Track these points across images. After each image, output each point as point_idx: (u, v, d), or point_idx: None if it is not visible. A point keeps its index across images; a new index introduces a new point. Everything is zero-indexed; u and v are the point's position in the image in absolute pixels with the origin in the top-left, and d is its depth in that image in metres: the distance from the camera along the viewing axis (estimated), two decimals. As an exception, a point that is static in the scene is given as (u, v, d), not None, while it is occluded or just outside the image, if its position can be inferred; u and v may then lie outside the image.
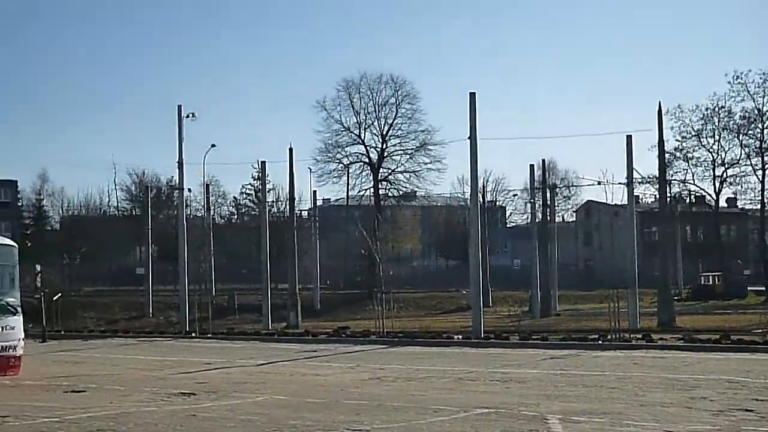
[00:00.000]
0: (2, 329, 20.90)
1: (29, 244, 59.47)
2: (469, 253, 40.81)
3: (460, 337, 35.49)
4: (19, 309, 21.76)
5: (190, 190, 65.53)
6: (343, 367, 26.07)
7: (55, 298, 45.29)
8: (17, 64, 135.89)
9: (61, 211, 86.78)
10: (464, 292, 55.12)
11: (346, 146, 74.90)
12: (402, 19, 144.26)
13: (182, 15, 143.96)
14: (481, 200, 60.27)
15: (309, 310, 51.11)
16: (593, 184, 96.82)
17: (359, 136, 74.47)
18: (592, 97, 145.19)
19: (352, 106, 74.52)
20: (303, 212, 76.20)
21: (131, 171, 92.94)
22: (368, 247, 47.91)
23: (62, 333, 43.34)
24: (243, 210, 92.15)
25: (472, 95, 36.59)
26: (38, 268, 43.26)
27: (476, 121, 36.44)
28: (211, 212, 73.37)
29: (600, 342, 31.45)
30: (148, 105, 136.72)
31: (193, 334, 42.01)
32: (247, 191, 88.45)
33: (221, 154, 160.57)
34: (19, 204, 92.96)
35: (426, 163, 74.35)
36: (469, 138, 36.61)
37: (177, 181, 50.85)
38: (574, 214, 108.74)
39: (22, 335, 21.81)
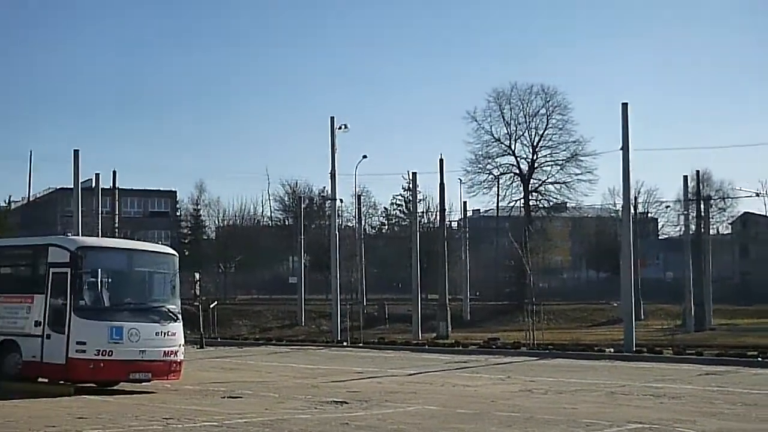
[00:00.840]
0: (164, 335, 21.65)
1: (187, 253, 61.43)
2: (620, 265, 40.18)
3: (612, 350, 35.00)
4: (180, 316, 22.52)
5: (341, 200, 66.44)
6: (494, 378, 26.08)
7: (211, 306, 46.68)
8: (181, 75, 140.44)
9: (216, 221, 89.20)
10: (615, 304, 54.25)
11: (497, 157, 74.78)
12: (554, 29, 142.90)
13: (335, 28, 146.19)
14: (633, 211, 59.15)
15: (458, 321, 51.21)
16: (751, 196, 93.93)
17: (510, 147, 74.24)
18: (749, 107, 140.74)
19: (503, 117, 74.37)
20: (453, 223, 76.37)
21: (284, 182, 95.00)
22: (518, 258, 47.68)
23: (218, 340, 44.63)
24: (393, 220, 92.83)
25: (624, 105, 36.09)
26: (197, 276, 44.54)
27: (628, 132, 35.92)
28: (362, 222, 74.31)
29: (760, 359, 30.49)
30: (301, 117, 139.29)
31: (345, 343, 42.63)
32: (398, 202, 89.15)
33: (372, 165, 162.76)
34: (178, 214, 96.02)
35: (577, 174, 73.55)
36: (621, 149, 36.11)
37: (329, 192, 51.70)
38: (730, 226, 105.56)
39: (183, 341, 22.55)
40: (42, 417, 16.26)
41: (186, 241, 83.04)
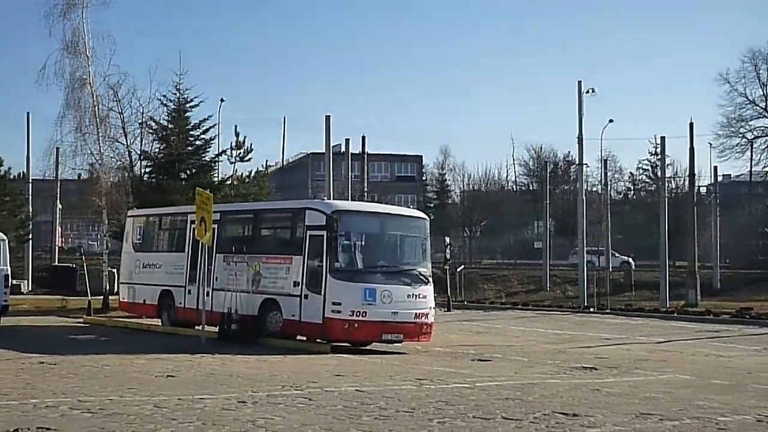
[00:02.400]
0: (416, 297, 22.18)
1: (432, 217, 62.22)
2: None
3: None
4: (431, 279, 23.00)
5: (587, 165, 65.49)
6: (749, 349, 25.25)
7: (458, 270, 47.27)
8: (436, 44, 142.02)
9: (462, 186, 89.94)
10: None
11: (751, 120, 71.78)
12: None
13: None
14: None
15: (707, 289, 49.48)
16: None
17: (765, 109, 70.90)
18: None
19: (758, 78, 71.26)
20: (702, 188, 73.84)
21: (529, 146, 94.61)
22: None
23: (465, 303, 45.19)
24: (639, 186, 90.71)
25: None
26: (447, 240, 45.15)
27: None
28: (608, 188, 72.98)
29: None
30: (545, 81, 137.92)
31: (591, 309, 42.25)
32: (644, 167, 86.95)
33: (618, 130, 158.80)
34: (423, 178, 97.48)
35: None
36: None
37: (574, 157, 51.14)
38: None
39: (433, 304, 23.03)
40: (304, 373, 17.08)
41: (431, 205, 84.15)
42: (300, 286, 22.26)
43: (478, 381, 16.58)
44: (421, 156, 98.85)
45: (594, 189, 77.60)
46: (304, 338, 22.62)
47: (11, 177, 52.69)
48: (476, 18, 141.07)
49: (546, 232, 59.96)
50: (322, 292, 21.63)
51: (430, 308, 22.60)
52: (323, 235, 21.87)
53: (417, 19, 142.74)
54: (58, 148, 37.55)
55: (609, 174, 75.48)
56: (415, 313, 22.07)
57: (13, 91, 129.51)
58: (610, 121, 61.33)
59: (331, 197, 39.08)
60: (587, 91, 47.01)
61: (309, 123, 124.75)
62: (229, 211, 27.15)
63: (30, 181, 51.55)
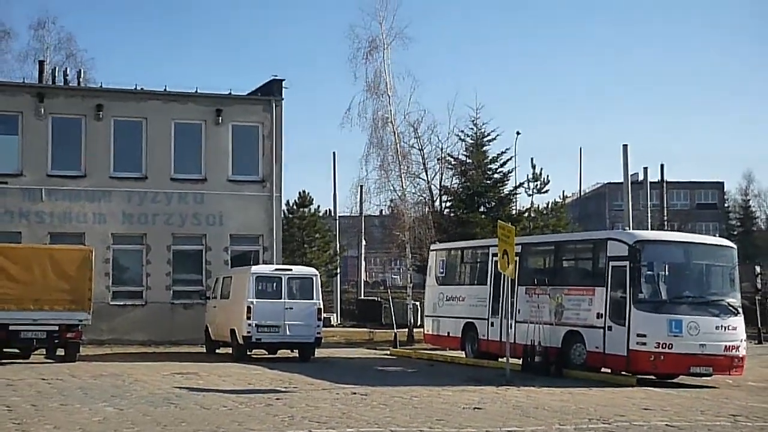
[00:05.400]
0: (725, 329, 21.38)
1: (737, 246, 59.48)
2: None
3: None
4: (740, 310, 22.12)
5: None
6: None
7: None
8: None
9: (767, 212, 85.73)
10: None
11: None
12: None
13: None
14: None
15: None
16: None
17: None
18: None
19: None
20: None
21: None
22: None
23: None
24: None
25: None
26: (758, 269, 43.08)
27: None
28: None
29: None
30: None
31: None
32: None
33: None
34: (726, 205, 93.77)
35: None
36: None
37: None
38: None
39: (744, 336, 22.10)
40: (610, 406, 16.89)
41: (734, 233, 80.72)
42: (603, 318, 22.07)
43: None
44: (722, 182, 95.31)
45: None
46: (609, 370, 22.35)
47: (320, 214, 55.51)
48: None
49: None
50: (627, 324, 21.35)
51: (741, 340, 21.72)
52: (626, 265, 21.62)
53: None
54: (362, 186, 39.09)
55: None
56: (725, 346, 21.29)
57: (320, 133, 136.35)
58: None
59: (630, 227, 38.41)
60: None
61: (605, 152, 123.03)
62: (531, 243, 27.32)
63: (337, 217, 53.97)
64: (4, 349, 25.05)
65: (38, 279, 25.05)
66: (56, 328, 25.00)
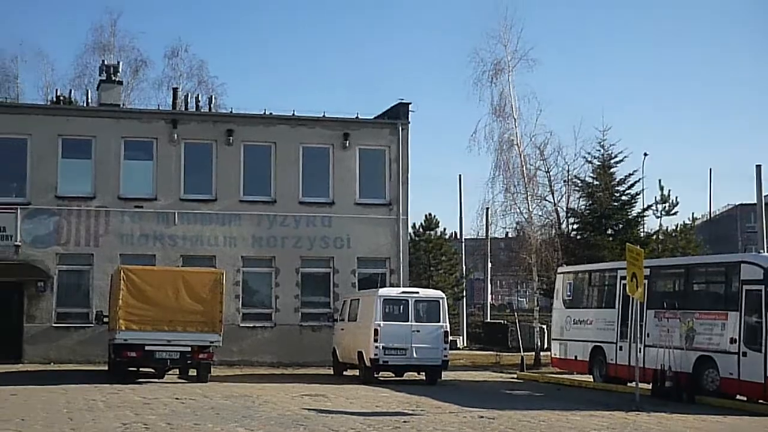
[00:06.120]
0: None
1: None
2: None
3: None
4: None
5: None
6: None
7: None
8: None
9: None
10: None
11: None
12: None
13: None
14: None
15: None
16: None
17: None
18: None
19: None
20: None
21: None
22: None
23: None
24: None
25: None
26: None
27: None
28: None
29: None
30: None
31: None
32: None
33: None
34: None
35: None
36: None
37: None
38: None
39: None
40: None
41: None
42: (737, 343, 21.52)
43: None
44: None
45: None
46: (744, 398, 21.75)
47: (446, 237, 55.62)
48: None
49: None
50: (763, 350, 20.77)
51: None
52: (762, 289, 21.06)
53: None
54: (488, 208, 39.00)
55: None
56: None
57: (445, 156, 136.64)
58: None
59: (765, 250, 37.35)
60: None
61: (736, 173, 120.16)
62: (660, 266, 26.79)
63: (463, 240, 54.01)
64: (140, 369, 25.85)
65: (172, 301, 25.67)
66: (189, 349, 25.57)
